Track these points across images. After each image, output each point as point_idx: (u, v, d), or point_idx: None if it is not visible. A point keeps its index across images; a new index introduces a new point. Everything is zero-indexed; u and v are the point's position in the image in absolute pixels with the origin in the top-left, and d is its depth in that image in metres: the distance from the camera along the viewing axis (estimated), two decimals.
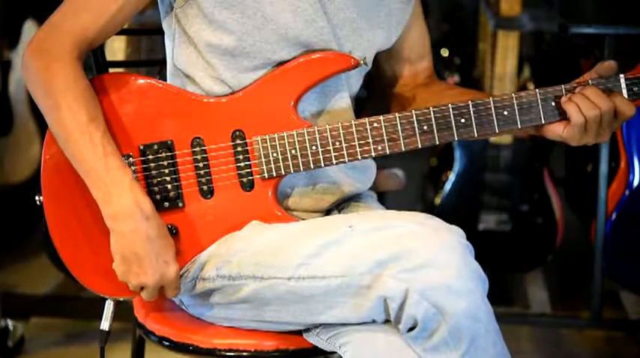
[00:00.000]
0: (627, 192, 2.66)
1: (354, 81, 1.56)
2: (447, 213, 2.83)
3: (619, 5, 3.48)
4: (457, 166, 2.91)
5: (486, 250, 2.86)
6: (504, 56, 2.90)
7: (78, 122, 1.38)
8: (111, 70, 1.59)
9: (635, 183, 2.65)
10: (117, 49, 2.61)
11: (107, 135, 1.39)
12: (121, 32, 2.67)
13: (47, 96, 1.40)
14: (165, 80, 1.56)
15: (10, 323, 2.62)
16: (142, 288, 1.41)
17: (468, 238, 1.33)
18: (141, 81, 1.47)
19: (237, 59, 1.45)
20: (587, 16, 3.74)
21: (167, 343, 1.53)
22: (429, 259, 1.27)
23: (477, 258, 1.31)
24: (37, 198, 1.49)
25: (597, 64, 1.45)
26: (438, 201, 2.94)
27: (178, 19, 1.47)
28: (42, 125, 3.14)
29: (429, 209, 2.92)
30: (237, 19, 1.43)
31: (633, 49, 2.86)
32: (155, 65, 1.66)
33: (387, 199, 2.75)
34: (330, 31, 1.46)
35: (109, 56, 1.64)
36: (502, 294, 3.02)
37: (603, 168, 2.58)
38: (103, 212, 1.39)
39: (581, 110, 1.40)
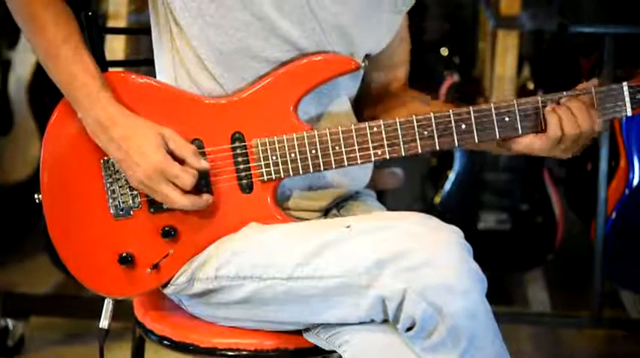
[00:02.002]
0: (627, 191, 2.66)
1: (351, 83, 1.56)
2: (447, 213, 2.83)
3: (619, 4, 3.48)
4: (457, 166, 2.91)
5: (486, 249, 2.86)
6: (504, 55, 2.90)
7: (54, 45, 1.42)
8: (110, 70, 1.59)
9: (635, 182, 2.65)
10: (116, 48, 2.61)
11: (78, 54, 1.42)
12: (121, 32, 2.70)
13: (27, 22, 1.45)
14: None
15: (10, 322, 2.62)
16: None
17: (468, 237, 1.33)
18: (140, 81, 1.48)
19: (226, 55, 1.45)
20: (587, 15, 3.74)
21: (167, 342, 1.53)
22: (428, 259, 1.26)
23: (477, 257, 1.31)
24: (36, 196, 1.50)
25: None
26: (437, 200, 2.94)
27: (170, 10, 1.47)
28: (41, 124, 3.15)
29: (429, 208, 2.92)
30: (224, 13, 1.43)
31: (633, 49, 2.86)
32: (154, 65, 1.66)
33: (386, 198, 2.75)
34: (321, 32, 1.46)
35: (109, 56, 1.64)
36: (502, 294, 3.02)
37: (603, 167, 2.58)
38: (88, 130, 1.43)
39: (562, 124, 1.39)
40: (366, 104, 1.64)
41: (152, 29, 1.55)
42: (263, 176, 1.44)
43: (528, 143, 1.43)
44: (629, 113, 1.42)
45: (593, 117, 1.40)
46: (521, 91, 3.11)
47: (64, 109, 1.47)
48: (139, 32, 2.85)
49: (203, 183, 1.44)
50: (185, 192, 1.40)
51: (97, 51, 1.57)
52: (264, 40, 1.44)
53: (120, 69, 1.84)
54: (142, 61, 2.65)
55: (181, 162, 1.40)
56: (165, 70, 1.53)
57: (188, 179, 1.39)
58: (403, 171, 2.57)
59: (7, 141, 3.30)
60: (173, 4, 1.46)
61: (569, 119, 1.39)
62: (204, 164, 1.41)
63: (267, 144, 1.44)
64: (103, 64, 1.58)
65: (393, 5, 1.55)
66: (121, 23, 2.70)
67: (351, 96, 1.57)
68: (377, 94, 1.64)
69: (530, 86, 3.17)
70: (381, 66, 1.63)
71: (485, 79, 3.21)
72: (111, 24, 2.70)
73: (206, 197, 1.42)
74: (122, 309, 1.61)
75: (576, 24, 2.60)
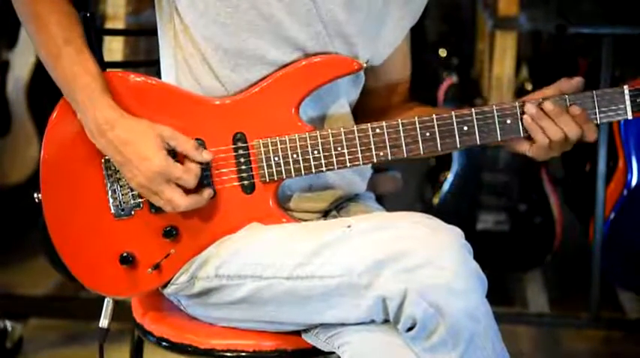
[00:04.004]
0: (625, 192, 2.66)
1: (351, 88, 1.55)
2: (446, 213, 2.83)
3: (617, 5, 3.48)
4: (455, 166, 2.91)
5: (485, 250, 2.86)
6: (502, 56, 2.90)
7: (56, 45, 1.42)
8: (109, 71, 1.59)
9: (633, 183, 2.66)
10: (115, 49, 2.61)
11: (80, 55, 1.42)
12: (119, 33, 2.70)
13: (30, 21, 1.45)
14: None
15: (8, 323, 2.62)
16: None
17: (467, 238, 1.33)
18: (140, 80, 1.47)
19: (230, 54, 1.45)
20: (585, 15, 3.74)
21: (165, 343, 1.53)
22: (428, 259, 1.26)
23: (476, 258, 1.31)
24: (35, 195, 1.49)
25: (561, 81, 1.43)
26: (436, 201, 2.94)
27: (175, 7, 1.47)
28: (40, 125, 3.15)
29: (428, 209, 2.92)
30: (231, 13, 1.43)
31: (631, 49, 2.86)
32: (153, 66, 1.66)
33: (385, 199, 2.75)
34: (327, 36, 1.46)
35: (107, 57, 1.64)
36: (501, 294, 3.02)
37: (601, 167, 2.58)
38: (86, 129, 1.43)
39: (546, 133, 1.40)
40: (363, 115, 1.61)
41: (158, 27, 1.55)
42: (265, 177, 1.44)
43: (523, 150, 1.44)
44: (630, 116, 1.43)
45: (583, 124, 1.40)
46: (520, 92, 3.11)
47: (65, 107, 1.46)
48: (137, 33, 2.86)
49: (205, 183, 1.44)
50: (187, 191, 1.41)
51: (95, 52, 1.56)
52: (269, 41, 1.44)
53: (118, 70, 1.84)
54: (140, 62, 2.66)
55: (182, 160, 1.40)
56: (168, 68, 1.53)
57: (191, 178, 1.39)
58: (402, 171, 2.57)
59: (5, 143, 3.30)
60: (179, 1, 1.45)
61: (550, 126, 1.40)
62: (207, 156, 1.41)
63: (270, 144, 1.44)
64: (101, 65, 1.58)
65: (397, 21, 1.55)
66: (120, 24, 2.70)
67: (351, 101, 1.57)
68: (377, 107, 1.62)
69: (529, 87, 3.18)
70: (383, 79, 1.62)
71: (484, 80, 3.21)
72: (109, 25, 2.70)
73: (207, 192, 1.42)
74: (121, 310, 1.61)
75: (575, 25, 2.60)
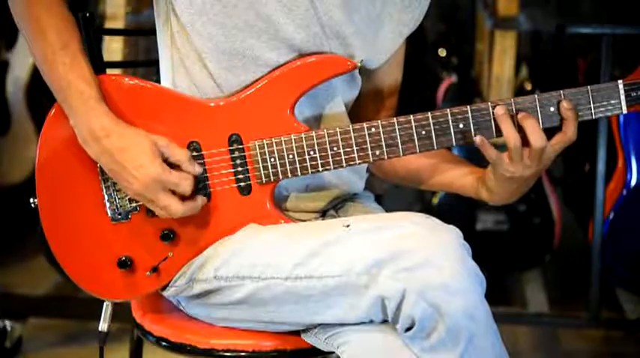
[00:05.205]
0: (625, 192, 2.66)
1: (347, 88, 1.55)
2: (445, 213, 2.83)
3: (616, 5, 3.49)
4: None
5: (484, 250, 2.86)
6: (502, 56, 2.90)
7: (52, 50, 1.41)
8: (108, 71, 1.58)
9: (633, 183, 2.66)
10: (114, 49, 2.61)
11: (75, 61, 1.41)
12: (119, 33, 2.70)
13: (27, 25, 1.45)
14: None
15: (7, 323, 2.62)
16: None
17: (466, 238, 1.33)
18: (134, 83, 1.46)
19: (227, 54, 1.45)
20: (585, 15, 3.74)
21: (165, 343, 1.53)
22: (427, 259, 1.26)
23: (475, 257, 1.31)
24: (31, 200, 1.49)
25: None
26: (435, 201, 2.94)
27: (173, 7, 1.47)
28: (39, 125, 3.15)
29: (427, 209, 2.92)
30: (229, 12, 1.43)
31: (630, 49, 2.87)
32: (153, 65, 1.65)
33: (384, 199, 2.75)
34: (324, 37, 1.46)
35: (107, 57, 1.64)
36: (500, 294, 3.03)
37: (601, 167, 2.58)
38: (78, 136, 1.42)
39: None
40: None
41: (156, 27, 1.55)
42: (261, 178, 1.44)
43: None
44: (625, 111, 1.42)
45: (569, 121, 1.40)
46: (519, 92, 3.12)
47: (59, 112, 1.45)
48: (137, 33, 2.86)
49: (201, 186, 1.44)
50: (183, 197, 1.40)
51: (94, 52, 1.57)
52: (265, 41, 1.44)
53: (118, 70, 1.84)
54: (140, 62, 2.66)
55: (177, 168, 1.41)
56: (165, 69, 1.53)
57: (187, 185, 1.39)
58: None
59: (5, 142, 3.30)
60: (177, 1, 1.45)
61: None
62: (198, 169, 1.41)
63: (265, 145, 1.44)
64: (101, 66, 1.58)
65: (395, 26, 1.55)
66: (119, 24, 2.70)
67: (347, 101, 1.57)
68: (362, 119, 1.62)
69: (528, 87, 3.18)
70: (373, 91, 1.62)
71: (483, 80, 3.21)
72: (109, 25, 2.70)
73: (200, 200, 1.42)
74: (120, 311, 1.61)
75: (574, 25, 2.60)
